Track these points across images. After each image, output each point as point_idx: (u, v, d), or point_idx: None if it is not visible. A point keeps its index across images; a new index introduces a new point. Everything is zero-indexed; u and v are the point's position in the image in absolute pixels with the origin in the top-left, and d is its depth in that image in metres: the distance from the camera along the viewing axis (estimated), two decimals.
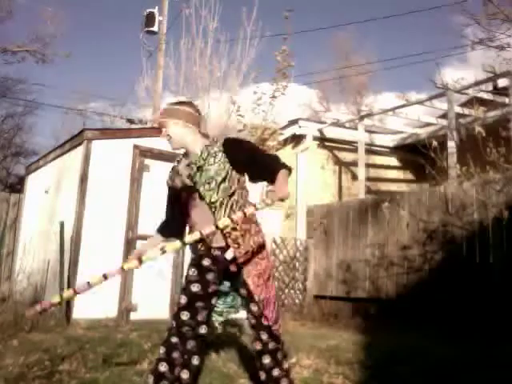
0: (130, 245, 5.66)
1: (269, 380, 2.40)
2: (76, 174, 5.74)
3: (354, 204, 7.49)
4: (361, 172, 8.84)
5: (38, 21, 16.66)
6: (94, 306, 5.26)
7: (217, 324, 2.55)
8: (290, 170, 2.32)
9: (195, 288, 2.39)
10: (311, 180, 8.91)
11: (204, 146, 2.44)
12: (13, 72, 20.53)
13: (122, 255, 5.53)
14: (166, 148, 6.00)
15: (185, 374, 2.34)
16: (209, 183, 2.38)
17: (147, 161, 6.05)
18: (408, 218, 6.43)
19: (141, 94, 9.93)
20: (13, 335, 4.13)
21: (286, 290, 7.49)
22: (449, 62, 32.91)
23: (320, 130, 9.32)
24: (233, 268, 2.41)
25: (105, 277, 2.18)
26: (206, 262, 2.42)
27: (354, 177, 9.43)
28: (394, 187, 9.85)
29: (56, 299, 2.21)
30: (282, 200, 2.21)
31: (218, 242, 2.39)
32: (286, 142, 8.80)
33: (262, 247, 2.46)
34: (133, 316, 5.64)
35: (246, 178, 2.47)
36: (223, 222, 2.22)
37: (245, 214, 2.21)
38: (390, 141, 10.17)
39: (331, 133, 9.47)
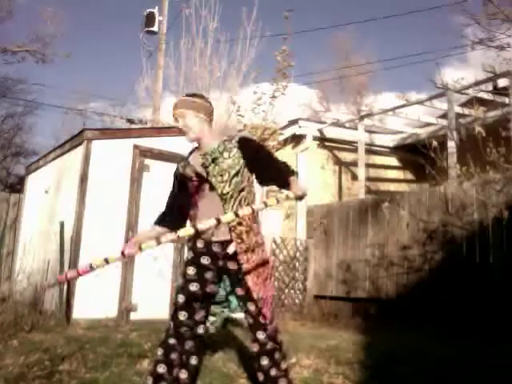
0: None
1: (267, 380, 2.39)
2: (76, 174, 5.74)
3: (354, 204, 7.48)
4: (361, 172, 8.84)
5: (38, 21, 16.69)
6: (94, 306, 5.27)
7: (208, 324, 2.56)
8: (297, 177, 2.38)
9: (194, 287, 2.39)
10: (311, 180, 8.89)
11: (221, 141, 2.46)
12: (13, 72, 20.61)
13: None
14: (166, 148, 6.10)
15: (183, 374, 2.35)
16: (221, 175, 2.38)
17: (147, 161, 6.06)
18: (408, 218, 6.42)
19: (141, 94, 9.96)
20: (13, 335, 4.13)
21: (286, 290, 7.49)
22: (449, 62, 32.94)
23: (320, 130, 9.32)
24: (232, 266, 2.41)
25: (106, 261, 2.18)
26: (205, 261, 2.42)
27: (354, 177, 9.43)
28: (393, 187, 9.86)
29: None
30: (300, 198, 2.26)
31: (219, 235, 2.38)
32: (285, 142, 8.78)
33: (262, 247, 2.46)
34: (133, 316, 5.64)
35: (254, 179, 2.50)
36: (227, 217, 2.20)
37: (253, 210, 2.22)
38: (389, 141, 10.17)
39: (331, 133, 9.47)
